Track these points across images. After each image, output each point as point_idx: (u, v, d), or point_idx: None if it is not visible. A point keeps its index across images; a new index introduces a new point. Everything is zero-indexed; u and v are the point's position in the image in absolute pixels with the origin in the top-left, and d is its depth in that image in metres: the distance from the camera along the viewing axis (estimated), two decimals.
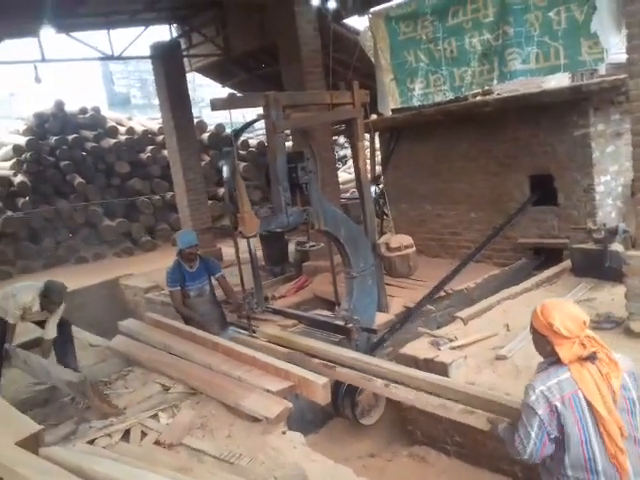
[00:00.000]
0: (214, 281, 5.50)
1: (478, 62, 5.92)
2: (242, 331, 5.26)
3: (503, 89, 7.35)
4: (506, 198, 7.29)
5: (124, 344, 5.03)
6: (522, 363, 4.14)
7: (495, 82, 5.97)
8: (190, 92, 10.05)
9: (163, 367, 4.35)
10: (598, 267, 5.47)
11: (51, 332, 4.70)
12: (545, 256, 6.88)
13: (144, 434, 3.52)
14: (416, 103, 6.57)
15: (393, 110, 7.73)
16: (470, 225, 7.80)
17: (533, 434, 2.31)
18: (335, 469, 3.17)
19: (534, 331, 2.44)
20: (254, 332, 5.12)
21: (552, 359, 2.38)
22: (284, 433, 3.52)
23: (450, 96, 6.32)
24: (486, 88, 6.74)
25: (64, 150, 11.30)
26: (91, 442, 3.42)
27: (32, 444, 3.13)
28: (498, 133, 7.21)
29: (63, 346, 4.85)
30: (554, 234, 6.88)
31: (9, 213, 10.27)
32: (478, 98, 7.57)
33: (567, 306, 2.46)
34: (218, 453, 3.29)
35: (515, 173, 7.16)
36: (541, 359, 2.49)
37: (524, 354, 4.26)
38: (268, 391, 3.73)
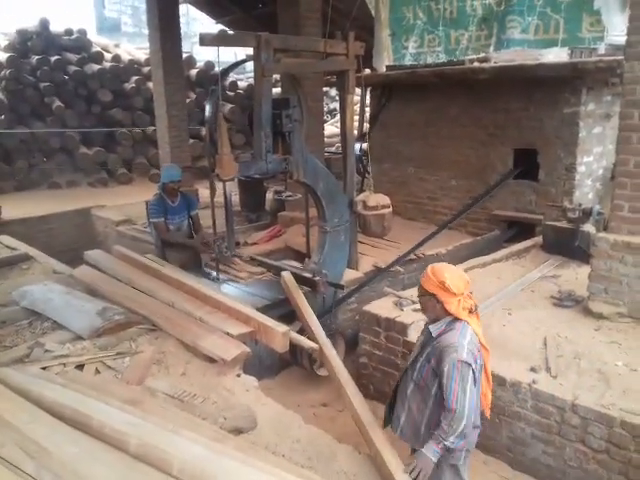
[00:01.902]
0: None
1: (476, 26, 5.79)
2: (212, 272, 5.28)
3: (499, 58, 7.23)
4: (489, 169, 7.29)
5: (89, 274, 4.97)
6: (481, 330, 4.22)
7: (492, 49, 5.88)
8: (182, 25, 9.65)
9: (125, 300, 4.31)
10: (568, 246, 5.56)
11: None
12: (518, 230, 6.95)
13: (98, 371, 3.48)
14: (408, 62, 6.45)
15: (387, 67, 7.58)
16: (449, 192, 7.81)
17: (468, 390, 2.50)
18: (284, 414, 3.23)
19: (424, 293, 2.65)
20: (218, 278, 5.12)
21: (448, 319, 2.63)
22: (238, 376, 3.55)
23: (443, 59, 6.21)
24: (482, 55, 6.62)
25: (45, 71, 10.88)
26: (44, 368, 3.41)
27: None
28: (490, 102, 7.13)
29: None
30: (530, 209, 6.93)
31: None
32: (475, 64, 7.44)
33: (454, 268, 2.72)
34: (172, 390, 3.32)
35: (501, 144, 7.14)
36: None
37: (483, 323, 4.33)
38: (228, 334, 3.74)
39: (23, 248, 6.27)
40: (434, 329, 2.66)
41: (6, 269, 5.70)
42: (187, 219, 5.46)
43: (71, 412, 2.31)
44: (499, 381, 3.68)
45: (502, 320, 4.40)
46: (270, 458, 2.24)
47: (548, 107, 6.56)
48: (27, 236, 7.10)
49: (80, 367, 3.46)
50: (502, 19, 5.54)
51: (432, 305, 2.64)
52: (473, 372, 2.51)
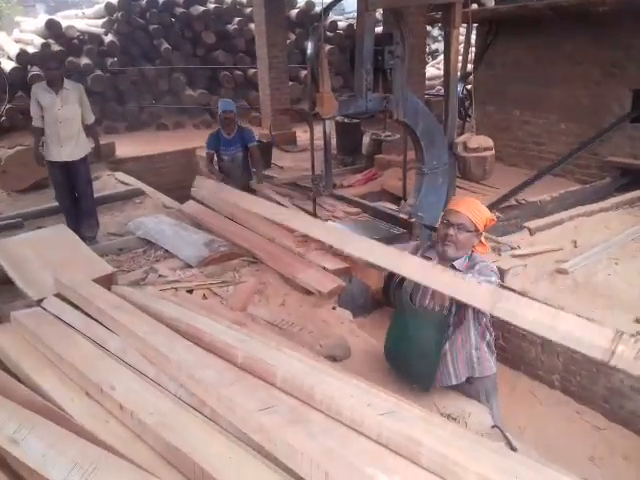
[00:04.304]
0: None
1: None
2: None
3: None
4: (603, 111, 6.76)
5: (195, 209, 5.28)
6: (582, 280, 4.08)
7: None
8: None
9: (228, 234, 4.57)
10: None
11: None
12: (632, 178, 6.46)
13: (205, 297, 3.77)
14: None
15: (495, 1, 7.13)
16: (557, 137, 7.36)
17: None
18: (376, 347, 3.33)
19: (473, 229, 2.51)
20: (315, 214, 5.23)
21: (468, 253, 2.57)
22: (334, 309, 3.70)
23: None
24: None
25: (154, 13, 11.23)
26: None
27: (106, 283, 3.47)
28: (609, 38, 6.54)
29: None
30: None
31: (98, 72, 10.54)
32: None
33: None
34: (272, 318, 3.53)
35: (619, 85, 6.58)
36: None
37: (586, 271, 4.18)
38: (325, 269, 3.87)
39: (136, 184, 6.76)
40: (459, 264, 2.56)
41: (121, 203, 6.20)
42: (243, 151, 5.91)
43: (185, 326, 2.54)
44: None
45: (608, 269, 4.21)
46: (363, 382, 2.35)
47: None
48: (138, 173, 7.60)
49: (189, 292, 3.76)
50: None
51: (471, 242, 2.56)
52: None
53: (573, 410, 3.78)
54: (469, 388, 2.78)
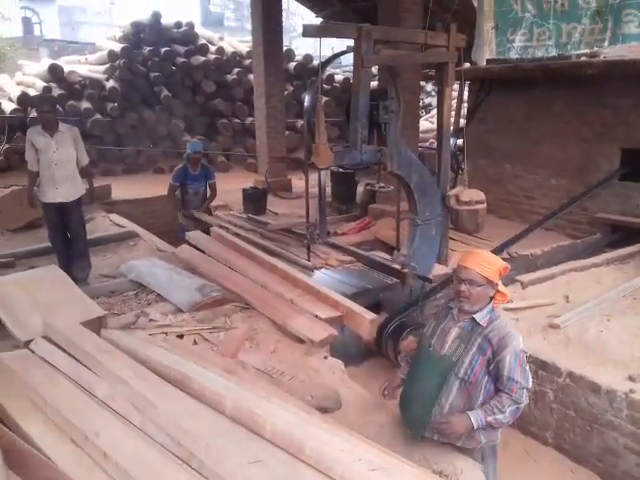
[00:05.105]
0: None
1: (590, 20, 5.50)
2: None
3: (609, 53, 6.84)
4: (592, 168, 6.93)
5: (189, 253, 5.28)
6: (574, 335, 4.07)
7: (606, 44, 5.55)
8: (282, 19, 9.93)
9: (221, 279, 4.56)
10: None
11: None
12: (622, 235, 6.55)
13: (196, 342, 3.71)
14: (514, 56, 6.23)
15: (488, 61, 7.38)
16: (548, 191, 7.50)
17: (530, 377, 2.46)
18: (369, 399, 3.29)
19: (485, 282, 2.47)
20: (309, 261, 5.25)
21: (489, 307, 2.53)
22: (326, 358, 3.66)
23: (553, 53, 5.94)
24: (594, 49, 6.29)
25: (155, 62, 11.54)
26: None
27: (96, 326, 3.43)
28: (597, 98, 6.78)
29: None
30: (637, 213, 6.52)
31: (98, 116, 10.71)
32: (583, 58, 7.09)
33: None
34: (262, 366, 3.48)
35: (607, 143, 6.77)
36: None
37: (579, 327, 4.17)
38: (317, 317, 3.85)
39: (130, 226, 6.76)
40: (481, 318, 2.51)
41: (115, 244, 6.18)
42: (204, 187, 6.75)
43: (174, 373, 2.50)
44: (593, 388, 3.54)
45: (600, 326, 4.20)
46: (354, 436, 2.30)
47: None
48: (133, 216, 7.62)
49: (180, 337, 3.71)
50: (617, 13, 5.22)
51: (487, 294, 2.51)
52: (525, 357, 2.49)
53: (567, 468, 3.70)
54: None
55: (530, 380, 2.47)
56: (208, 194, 6.87)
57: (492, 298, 2.55)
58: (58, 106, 10.19)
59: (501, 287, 2.55)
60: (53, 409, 2.34)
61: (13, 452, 2.04)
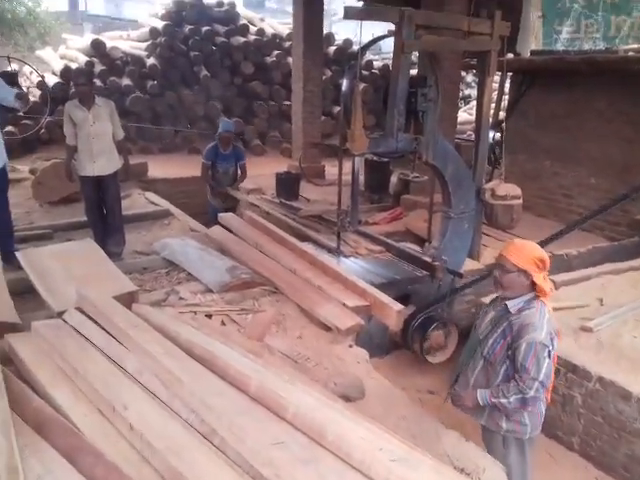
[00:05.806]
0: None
1: None
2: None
3: None
4: (635, 169, 6.70)
5: (221, 234, 5.32)
6: (607, 340, 3.97)
7: None
8: (324, 3, 9.84)
9: (251, 262, 4.58)
10: None
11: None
12: None
13: (223, 323, 3.76)
14: (560, 47, 6.07)
15: (531, 52, 7.20)
16: (587, 190, 7.30)
17: (543, 368, 2.45)
18: (392, 391, 3.28)
19: (515, 269, 2.51)
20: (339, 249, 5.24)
21: (527, 296, 2.56)
22: (351, 347, 3.65)
23: (601, 46, 5.78)
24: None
25: (196, 41, 11.58)
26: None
27: (128, 301, 3.49)
28: None
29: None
30: None
31: (138, 93, 10.84)
32: (631, 53, 6.83)
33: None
34: (288, 351, 3.49)
35: None
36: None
37: (612, 331, 4.08)
38: (344, 305, 3.84)
39: (165, 205, 6.86)
40: (512, 305, 2.58)
41: (149, 222, 6.27)
42: (234, 167, 6.82)
43: (200, 350, 2.54)
44: (623, 394, 3.46)
45: (634, 331, 4.09)
46: (376, 425, 2.30)
47: None
48: (168, 194, 7.72)
49: (208, 317, 3.76)
50: None
51: (520, 282, 2.54)
52: (549, 353, 2.48)
53: (592, 476, 3.64)
54: (490, 438, 2.78)
55: (544, 374, 2.47)
56: (238, 175, 6.94)
57: (535, 289, 2.56)
58: (99, 81, 10.38)
59: (537, 279, 2.52)
60: (83, 379, 2.40)
61: (42, 419, 2.10)
